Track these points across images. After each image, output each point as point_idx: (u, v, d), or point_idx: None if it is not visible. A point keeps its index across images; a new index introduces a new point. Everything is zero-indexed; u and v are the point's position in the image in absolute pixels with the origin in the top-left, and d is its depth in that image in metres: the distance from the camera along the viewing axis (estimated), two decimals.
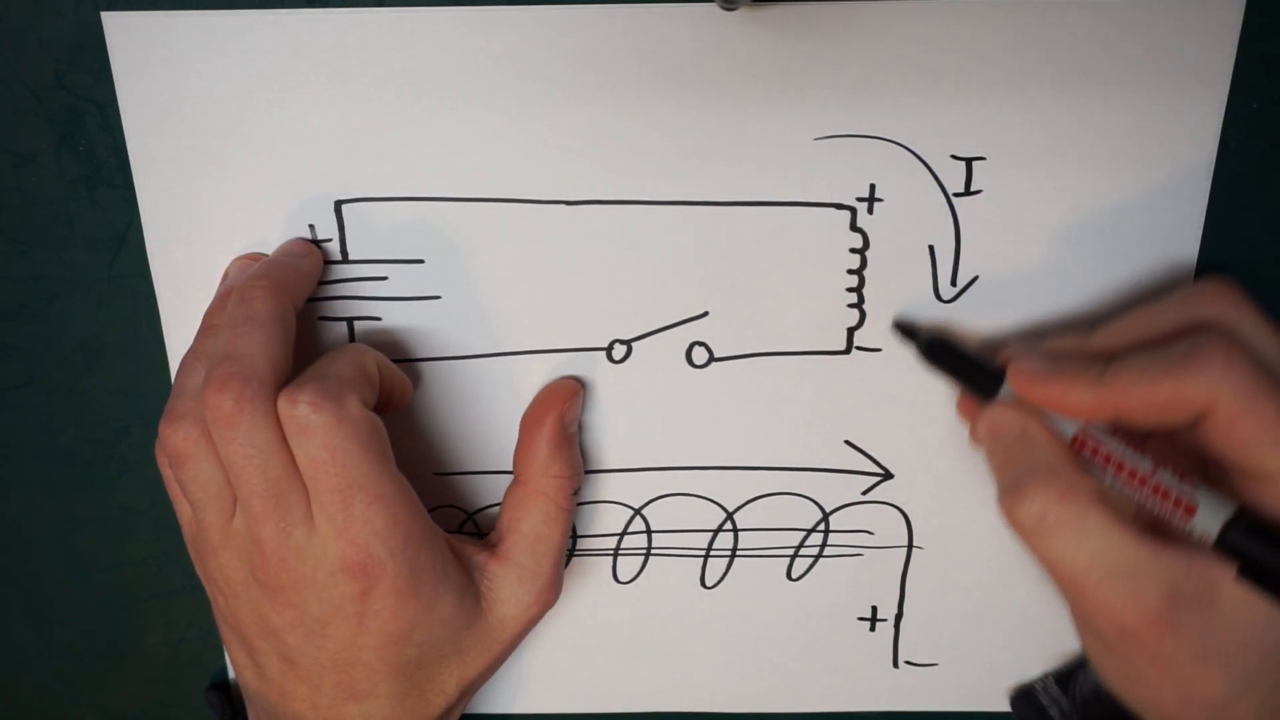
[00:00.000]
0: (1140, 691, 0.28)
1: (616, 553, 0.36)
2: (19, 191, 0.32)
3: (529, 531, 0.32)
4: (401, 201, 0.31)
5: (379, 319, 0.32)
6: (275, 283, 0.29)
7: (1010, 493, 0.27)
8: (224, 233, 0.31)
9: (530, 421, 0.32)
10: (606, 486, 0.35)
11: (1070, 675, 0.36)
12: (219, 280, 0.32)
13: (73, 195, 0.32)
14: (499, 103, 0.30)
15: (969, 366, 0.30)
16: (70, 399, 0.34)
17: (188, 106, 0.30)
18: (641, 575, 0.36)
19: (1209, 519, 0.26)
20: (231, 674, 0.38)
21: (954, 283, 0.32)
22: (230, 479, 0.28)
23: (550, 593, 0.32)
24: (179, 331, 0.33)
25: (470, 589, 0.31)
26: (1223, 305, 0.28)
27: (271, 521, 0.28)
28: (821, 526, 0.35)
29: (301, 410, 0.27)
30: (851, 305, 0.32)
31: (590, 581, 0.36)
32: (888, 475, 0.35)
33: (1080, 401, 0.27)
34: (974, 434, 0.31)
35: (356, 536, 0.28)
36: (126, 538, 0.36)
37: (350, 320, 0.33)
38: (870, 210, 0.31)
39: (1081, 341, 0.30)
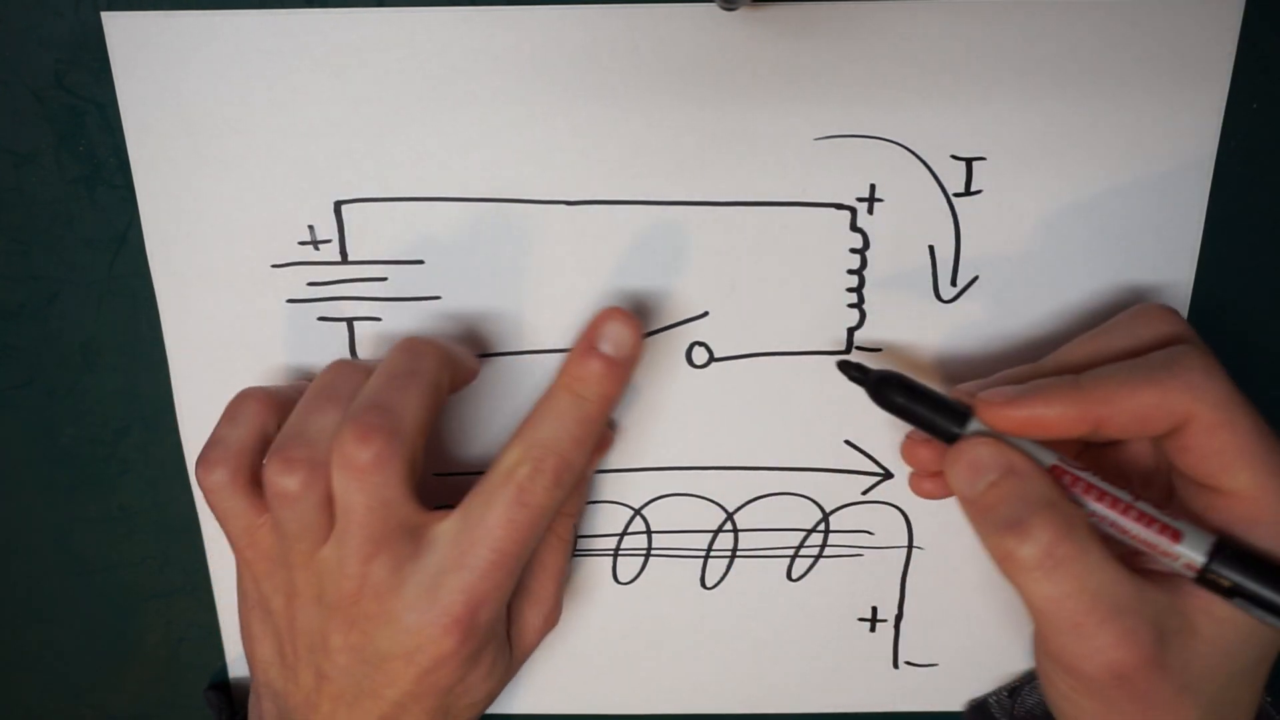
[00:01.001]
0: None
1: (616, 553, 0.36)
2: (19, 191, 0.32)
3: (532, 563, 0.32)
4: (401, 201, 0.31)
5: (379, 319, 0.32)
6: (447, 355, 0.29)
7: (1010, 530, 0.26)
8: (224, 233, 0.31)
9: None
10: (606, 486, 0.35)
11: (1017, 691, 0.36)
12: (219, 281, 0.32)
13: (73, 195, 0.32)
14: (499, 103, 0.30)
15: (930, 404, 0.28)
16: (70, 399, 0.34)
17: (188, 106, 0.30)
18: (641, 576, 0.36)
19: (1192, 547, 0.25)
20: (232, 674, 0.38)
21: (954, 283, 0.32)
22: (337, 514, 0.28)
23: (555, 615, 0.33)
24: (179, 331, 0.33)
25: (506, 643, 0.31)
26: (1179, 324, 0.28)
27: (382, 559, 0.28)
28: (821, 527, 0.35)
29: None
30: (851, 305, 0.32)
31: (590, 581, 0.36)
32: (887, 475, 0.34)
33: (1061, 416, 0.26)
34: (918, 480, 0.32)
35: (471, 599, 0.28)
36: (126, 538, 0.36)
37: (350, 320, 0.33)
38: (870, 210, 0.31)
39: (1036, 369, 0.29)
